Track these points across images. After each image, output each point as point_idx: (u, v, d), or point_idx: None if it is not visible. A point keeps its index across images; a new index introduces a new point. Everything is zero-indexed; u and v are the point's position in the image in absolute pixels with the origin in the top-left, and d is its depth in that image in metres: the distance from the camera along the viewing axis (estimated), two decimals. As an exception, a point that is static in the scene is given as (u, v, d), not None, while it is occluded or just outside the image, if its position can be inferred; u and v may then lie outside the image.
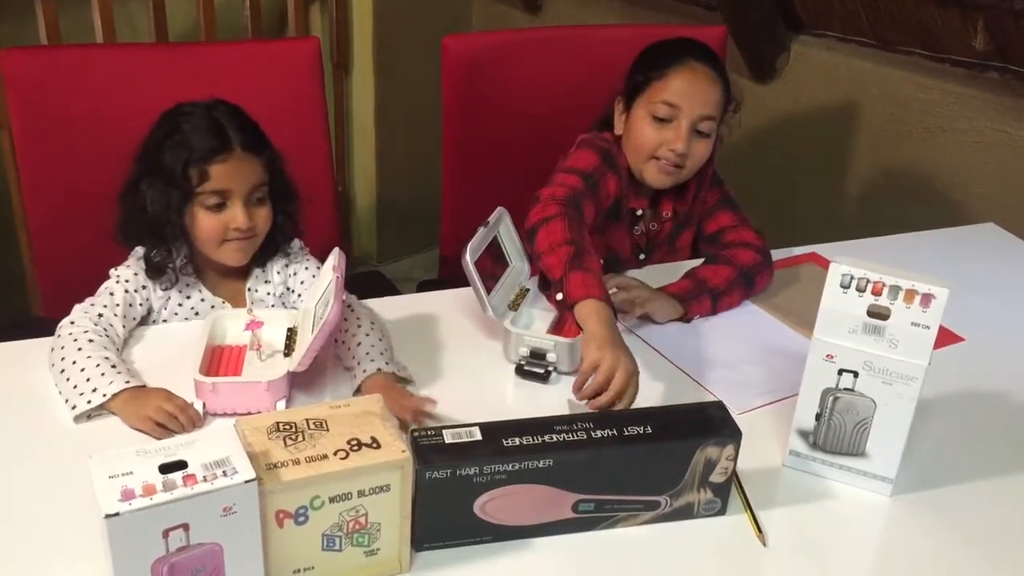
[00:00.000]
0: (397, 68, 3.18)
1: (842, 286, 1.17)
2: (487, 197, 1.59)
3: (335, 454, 1.01)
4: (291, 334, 1.38)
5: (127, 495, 0.89)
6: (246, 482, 0.92)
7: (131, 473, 0.91)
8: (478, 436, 1.09)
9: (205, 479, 0.91)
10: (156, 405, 1.24)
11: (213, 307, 1.53)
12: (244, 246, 1.48)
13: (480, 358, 1.47)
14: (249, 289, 1.56)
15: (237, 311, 1.40)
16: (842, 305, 1.17)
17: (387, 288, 1.99)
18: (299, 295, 1.56)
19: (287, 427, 1.04)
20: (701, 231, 1.75)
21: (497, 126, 2.04)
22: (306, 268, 1.58)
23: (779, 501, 1.23)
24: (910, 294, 1.14)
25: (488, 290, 1.46)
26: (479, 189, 1.98)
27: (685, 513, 1.17)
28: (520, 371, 1.41)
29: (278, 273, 1.57)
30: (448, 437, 1.09)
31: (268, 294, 1.57)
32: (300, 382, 1.35)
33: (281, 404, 1.29)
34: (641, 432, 1.12)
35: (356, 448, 1.02)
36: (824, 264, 1.79)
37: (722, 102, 1.64)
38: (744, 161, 2.52)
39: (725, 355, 1.51)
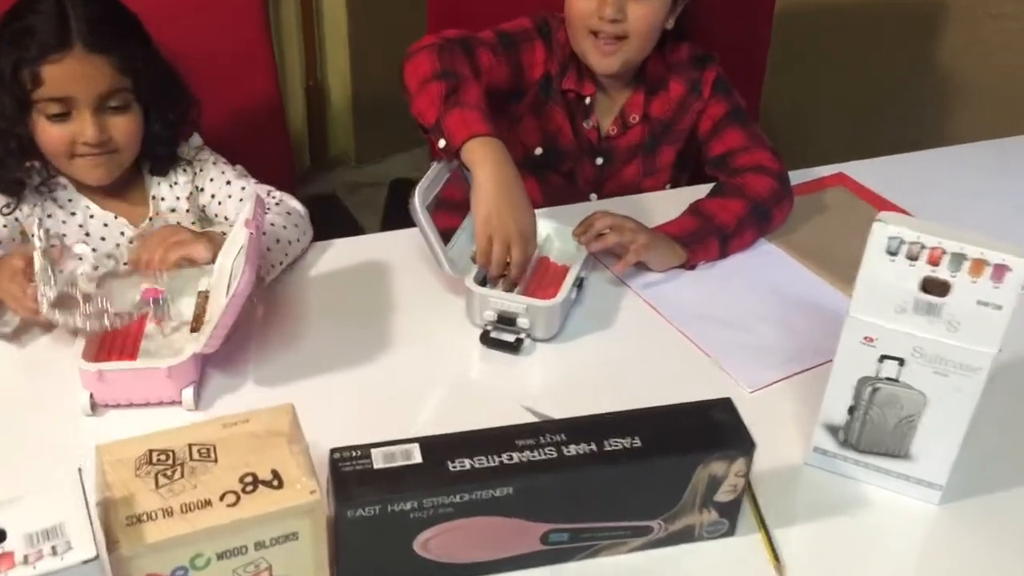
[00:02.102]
0: (369, -56, 2.82)
1: (889, 252, 0.90)
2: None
3: (222, 498, 0.77)
4: (202, 301, 1.13)
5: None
6: (84, 562, 0.68)
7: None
8: (417, 457, 0.85)
9: (26, 560, 0.67)
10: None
11: (107, 225, 1.29)
12: (101, 162, 1.23)
13: (440, 319, 1.21)
14: (153, 197, 1.32)
15: (131, 278, 1.14)
16: (888, 276, 0.91)
17: (343, 219, 1.71)
18: (214, 196, 1.34)
19: (163, 458, 0.80)
20: (705, 153, 1.47)
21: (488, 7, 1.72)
22: (213, 163, 1.36)
23: (800, 508, 1.01)
24: (978, 265, 0.87)
25: (448, 238, 1.19)
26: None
27: (684, 537, 0.93)
28: (486, 339, 1.16)
29: (183, 172, 1.34)
30: (378, 459, 0.85)
31: (176, 198, 1.33)
32: (216, 358, 1.10)
33: (188, 393, 1.04)
34: (627, 446, 0.88)
35: (251, 488, 0.78)
36: (855, 188, 1.51)
37: None
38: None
39: (733, 311, 1.25)
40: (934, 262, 0.89)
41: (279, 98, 1.74)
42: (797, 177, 1.51)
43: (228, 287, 1.04)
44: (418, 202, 1.12)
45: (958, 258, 0.88)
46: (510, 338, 1.16)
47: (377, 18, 2.91)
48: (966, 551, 0.97)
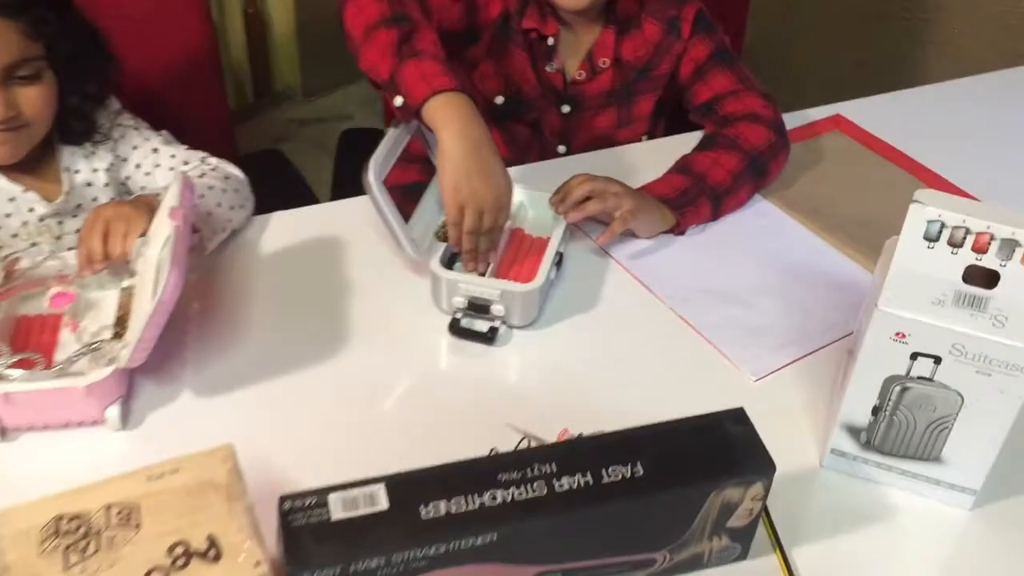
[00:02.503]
0: None
1: (927, 239, 0.77)
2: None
3: (148, 577, 0.63)
4: (125, 299, 0.98)
5: None
6: None
7: None
8: (383, 502, 0.72)
9: None
10: None
11: (13, 200, 1.12)
12: (8, 138, 1.06)
13: (403, 305, 1.07)
14: (67, 170, 1.15)
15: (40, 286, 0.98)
16: (925, 265, 0.78)
17: (289, 177, 1.54)
18: (139, 167, 1.18)
19: (74, 526, 0.66)
20: (689, 100, 1.32)
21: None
22: (135, 129, 1.19)
23: (817, 517, 0.90)
24: (1033, 253, 0.75)
25: (408, 215, 1.05)
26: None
27: (692, 565, 0.82)
28: (455, 329, 1.02)
29: (101, 141, 1.17)
30: (337, 508, 0.71)
31: (94, 171, 1.16)
32: (147, 364, 0.95)
33: (113, 412, 0.90)
34: (627, 476, 0.75)
35: (182, 561, 0.64)
36: (853, 131, 1.37)
37: None
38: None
39: (730, 283, 1.12)
40: (980, 249, 0.76)
41: (211, 33, 1.55)
42: (789, 122, 1.36)
43: (155, 288, 0.89)
44: (373, 178, 0.96)
45: (1010, 244, 0.75)
46: (483, 327, 1.02)
47: (319, -62, 2.69)
48: (1001, 559, 0.87)
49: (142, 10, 1.39)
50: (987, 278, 0.77)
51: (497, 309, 1.01)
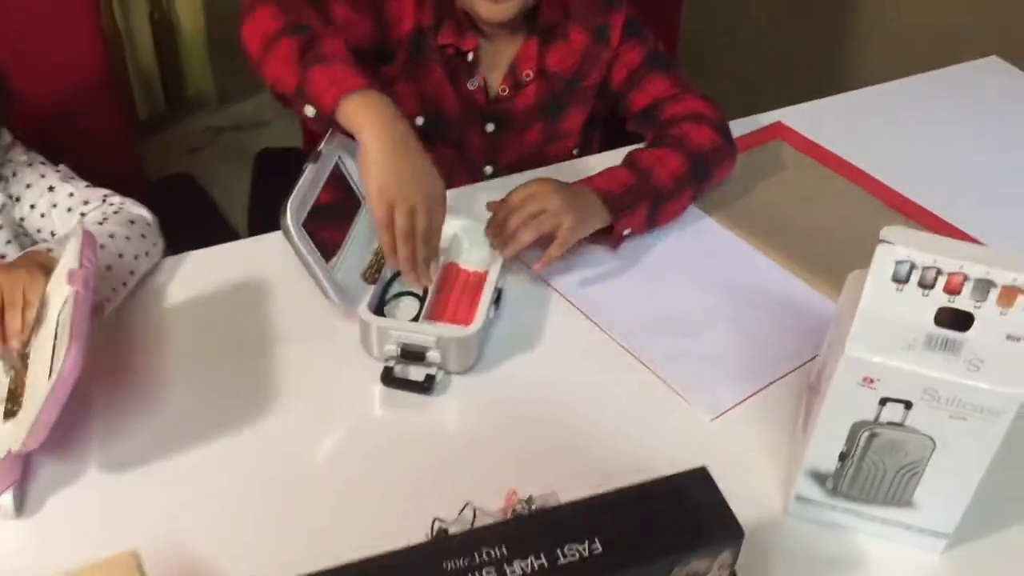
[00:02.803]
0: None
1: (896, 280, 0.72)
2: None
3: None
4: (20, 368, 0.88)
5: None
6: None
7: None
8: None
9: None
10: None
11: None
12: None
13: (329, 353, 0.99)
14: None
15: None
16: (894, 307, 0.73)
17: (202, 205, 1.44)
18: (34, 207, 1.07)
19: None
20: (626, 108, 1.25)
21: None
22: (29, 166, 1.09)
23: (782, 565, 0.84)
24: (1009, 293, 0.70)
25: (330, 255, 0.96)
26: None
27: (655, 639, 0.76)
28: (388, 379, 0.94)
29: None
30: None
31: None
32: (47, 442, 0.85)
33: (6, 500, 0.80)
34: (585, 554, 0.69)
35: None
36: (795, 140, 1.32)
37: None
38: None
39: (676, 311, 1.06)
40: (953, 290, 0.71)
41: (106, 50, 1.44)
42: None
43: (52, 363, 0.79)
44: (291, 222, 0.88)
45: (984, 284, 0.70)
46: (419, 376, 0.94)
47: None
48: (976, 604, 0.83)
49: (28, 29, 1.28)
50: (960, 320, 0.72)
51: (433, 356, 0.94)
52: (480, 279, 1.01)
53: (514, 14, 1.14)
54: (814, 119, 1.36)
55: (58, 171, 1.08)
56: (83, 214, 1.02)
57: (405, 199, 0.92)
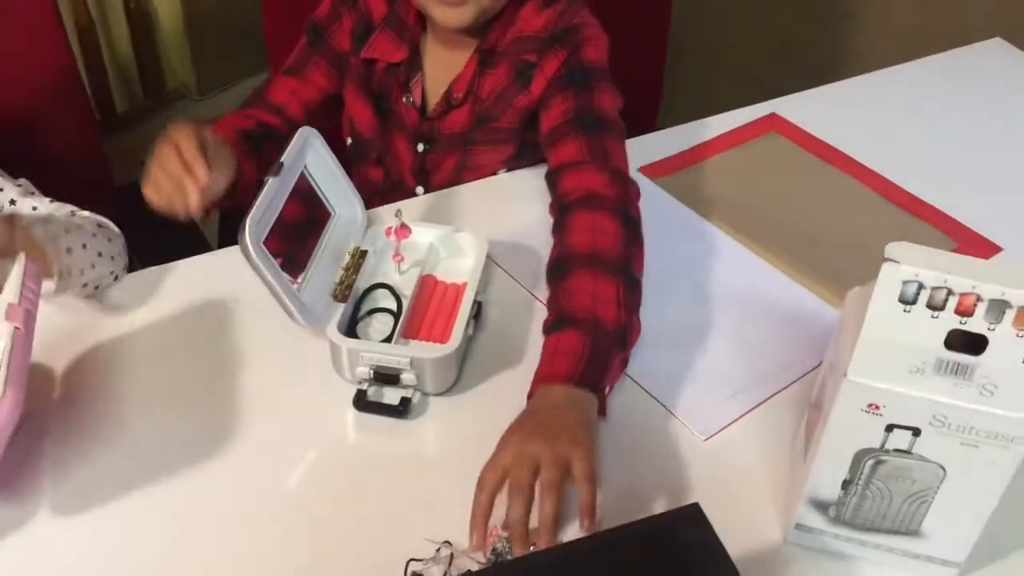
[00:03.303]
0: None
1: (903, 301, 0.66)
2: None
3: None
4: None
5: None
6: None
7: None
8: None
9: None
10: None
11: None
12: None
13: (299, 373, 0.93)
14: None
15: None
16: (901, 330, 0.67)
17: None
18: None
19: None
20: (548, 158, 1.04)
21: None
22: None
23: (783, 602, 0.79)
24: (1025, 314, 0.64)
25: (298, 271, 0.91)
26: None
27: None
28: (361, 403, 0.89)
29: None
30: None
31: None
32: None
33: (-51, 548, 0.75)
34: (571, 607, 0.63)
35: None
36: (790, 131, 1.26)
37: None
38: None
39: (667, 321, 0.99)
40: (965, 311, 0.65)
41: (68, 52, 1.37)
42: (722, 124, 1.26)
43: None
44: (250, 242, 0.82)
45: (999, 306, 0.64)
46: (394, 399, 0.89)
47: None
48: (990, 636, 0.77)
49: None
50: (973, 342, 0.66)
51: (408, 378, 0.88)
52: (459, 292, 0.95)
53: (470, 21, 1.02)
54: (810, 109, 1.30)
55: (19, 185, 1.02)
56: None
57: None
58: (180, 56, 2.68)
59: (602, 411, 0.86)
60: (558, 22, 1.05)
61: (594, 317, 0.87)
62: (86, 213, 1.01)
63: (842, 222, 1.12)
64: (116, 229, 1.01)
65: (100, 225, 1.00)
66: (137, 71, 2.60)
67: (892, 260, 0.65)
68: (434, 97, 1.11)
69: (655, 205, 1.13)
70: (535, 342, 0.96)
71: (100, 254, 0.95)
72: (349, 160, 1.17)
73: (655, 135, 1.25)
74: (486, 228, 1.04)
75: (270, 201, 0.86)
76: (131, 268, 1.04)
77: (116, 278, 1.00)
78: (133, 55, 2.58)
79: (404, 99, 1.11)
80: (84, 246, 0.93)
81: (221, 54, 2.66)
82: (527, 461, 0.76)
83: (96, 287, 0.97)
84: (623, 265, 0.92)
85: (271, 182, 0.86)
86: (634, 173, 1.16)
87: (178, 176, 0.88)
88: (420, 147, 1.13)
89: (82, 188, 1.34)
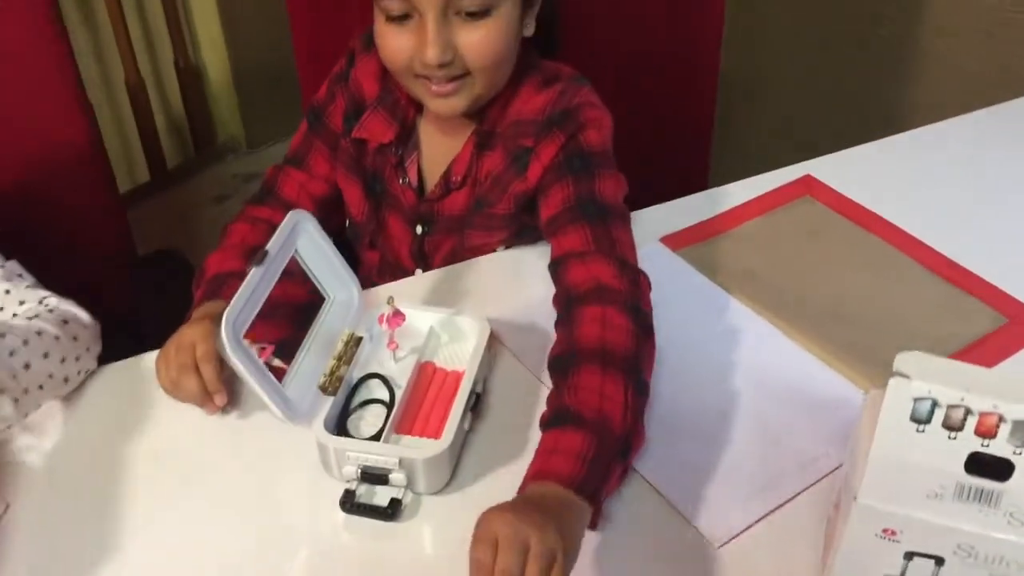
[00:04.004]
0: None
1: (916, 420, 0.58)
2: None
3: None
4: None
5: None
6: None
7: None
8: None
9: None
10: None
11: None
12: None
13: (289, 468, 0.89)
14: None
15: None
16: (915, 452, 0.59)
17: (185, 284, 1.33)
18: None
19: None
20: (551, 246, 0.98)
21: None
22: None
23: None
24: (1057, 437, 0.56)
25: (289, 358, 0.86)
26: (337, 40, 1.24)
27: None
28: (349, 505, 0.83)
29: None
30: None
31: None
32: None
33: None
34: None
35: None
36: (825, 195, 1.18)
37: None
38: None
39: (681, 408, 0.92)
40: (987, 433, 0.57)
41: (90, 120, 1.36)
42: (754, 187, 1.19)
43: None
44: (227, 338, 0.78)
45: (1023, 427, 0.56)
46: (382, 500, 0.83)
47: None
48: None
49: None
50: (997, 464, 0.58)
51: (397, 478, 0.83)
52: (459, 380, 0.90)
53: (463, 109, 0.98)
54: (849, 170, 1.22)
55: (2, 267, 0.99)
56: (15, 314, 0.94)
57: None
58: (229, 110, 2.70)
59: (593, 524, 0.79)
60: (557, 103, 0.99)
61: (600, 418, 0.80)
62: (55, 300, 0.96)
63: (880, 296, 1.04)
64: (87, 319, 0.96)
65: (65, 321, 0.94)
66: (188, 126, 2.63)
67: (901, 374, 0.57)
68: (431, 178, 1.07)
69: (675, 278, 1.07)
70: (538, 435, 0.90)
71: (63, 359, 0.91)
72: (349, 240, 1.13)
73: (678, 202, 1.18)
74: (489, 308, 0.99)
75: (252, 292, 0.81)
76: (143, 340, 1.02)
77: (86, 373, 0.96)
78: (183, 110, 2.61)
79: (400, 180, 1.07)
80: (45, 355, 0.89)
81: (269, 107, 2.68)
82: (518, 545, 0.69)
83: (62, 390, 0.93)
84: (633, 365, 0.85)
85: (254, 271, 0.82)
86: (654, 244, 1.11)
87: (195, 398, 0.91)
88: (419, 229, 1.09)
89: (99, 259, 1.34)
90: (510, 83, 1.00)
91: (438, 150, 1.06)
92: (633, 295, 0.90)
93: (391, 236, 1.11)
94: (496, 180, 1.02)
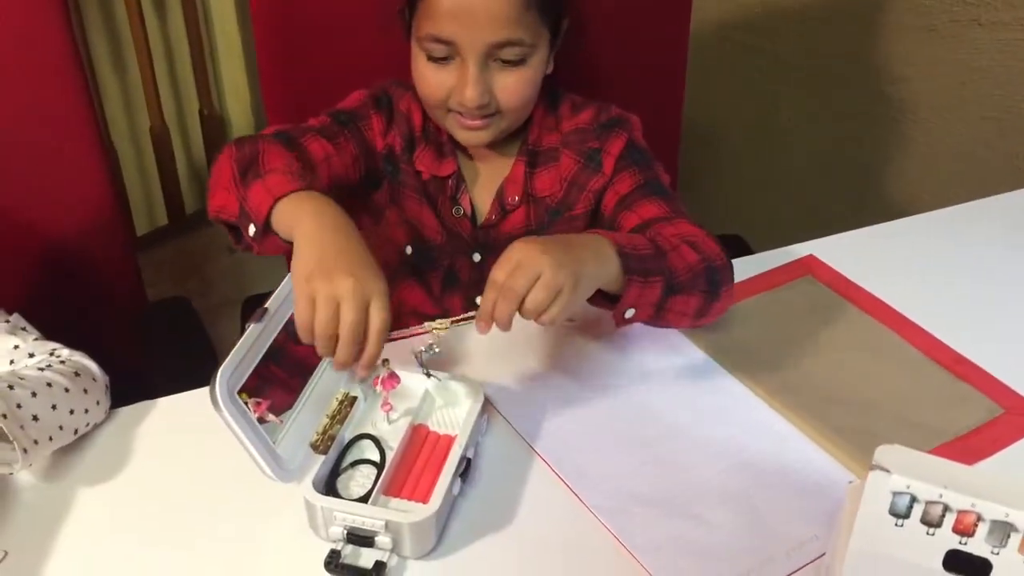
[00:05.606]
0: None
1: (894, 514, 0.59)
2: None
3: None
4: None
5: None
6: None
7: None
8: None
9: None
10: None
11: None
12: None
13: (275, 525, 0.89)
14: None
15: None
16: (893, 545, 0.59)
17: (191, 333, 1.34)
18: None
19: None
20: (615, 227, 1.09)
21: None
22: None
23: None
24: (1034, 539, 0.56)
25: (281, 412, 0.87)
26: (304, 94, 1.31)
27: None
28: (332, 565, 0.83)
29: None
30: None
31: None
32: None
33: None
34: None
35: None
36: (829, 278, 1.19)
37: (531, 9, 1.01)
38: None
39: (672, 485, 0.92)
40: (965, 530, 0.57)
41: (109, 164, 1.38)
42: (754, 266, 1.20)
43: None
44: (220, 394, 0.78)
45: (1003, 528, 0.56)
46: (367, 562, 0.83)
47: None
48: None
49: (18, 152, 1.23)
50: (975, 564, 0.58)
51: (383, 541, 0.83)
52: (451, 445, 0.90)
53: (492, 139, 1.08)
54: (851, 252, 1.23)
55: (7, 321, 1.00)
56: (26, 366, 0.95)
57: (328, 286, 0.79)
58: (250, 159, 2.74)
59: (617, 319, 0.92)
60: (601, 114, 1.13)
61: (664, 249, 0.94)
62: (67, 351, 0.97)
63: (876, 380, 1.04)
64: (97, 372, 0.98)
65: (76, 374, 0.94)
66: (209, 173, 2.67)
67: (881, 468, 0.58)
68: (482, 205, 1.14)
69: (671, 353, 1.08)
70: (527, 503, 0.91)
71: (72, 411, 0.91)
72: (411, 269, 1.16)
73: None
74: (489, 371, 1.00)
75: (249, 348, 0.82)
76: (148, 387, 1.03)
77: (94, 425, 0.96)
78: (205, 157, 2.65)
79: (454, 211, 1.13)
80: (54, 407, 0.89)
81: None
82: (531, 272, 0.83)
83: (70, 440, 0.93)
84: (714, 267, 0.97)
85: (252, 328, 0.83)
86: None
87: (347, 357, 0.82)
88: (476, 257, 1.15)
89: (113, 306, 1.35)
90: (548, 106, 1.13)
91: (485, 177, 1.14)
92: (723, 252, 1.00)
93: (453, 265, 1.15)
94: (573, 182, 1.12)
